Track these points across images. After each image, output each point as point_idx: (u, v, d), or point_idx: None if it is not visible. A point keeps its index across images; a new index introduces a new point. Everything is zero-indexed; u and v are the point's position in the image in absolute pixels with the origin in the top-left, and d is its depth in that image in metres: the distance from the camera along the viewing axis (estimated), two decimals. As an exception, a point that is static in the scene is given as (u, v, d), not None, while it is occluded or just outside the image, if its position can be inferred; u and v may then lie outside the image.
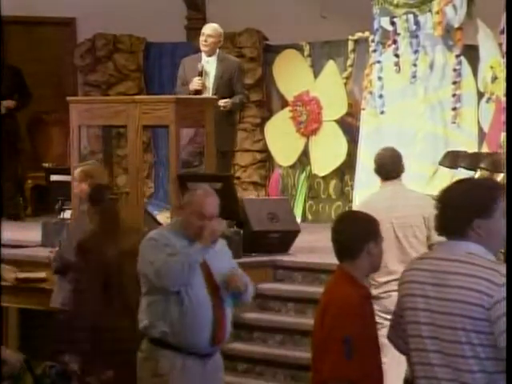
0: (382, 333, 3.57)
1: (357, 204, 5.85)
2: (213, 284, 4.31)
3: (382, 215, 5.10)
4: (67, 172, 7.26)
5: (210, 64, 7.71)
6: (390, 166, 5.27)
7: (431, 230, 5.10)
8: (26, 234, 8.01)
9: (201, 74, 7.59)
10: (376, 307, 5.14)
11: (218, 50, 7.81)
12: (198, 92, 7.54)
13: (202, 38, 7.75)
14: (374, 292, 5.15)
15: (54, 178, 7.66)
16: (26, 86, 9.45)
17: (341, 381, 3.47)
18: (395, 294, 5.19)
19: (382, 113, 8.39)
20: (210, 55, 7.73)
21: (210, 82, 7.64)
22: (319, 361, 3.61)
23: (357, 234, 3.67)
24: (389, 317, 5.03)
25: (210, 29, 7.80)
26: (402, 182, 5.35)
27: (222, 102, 7.52)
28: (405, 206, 5.20)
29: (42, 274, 6.71)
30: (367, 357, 3.53)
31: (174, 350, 4.24)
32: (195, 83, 7.54)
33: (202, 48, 7.75)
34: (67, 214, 7.27)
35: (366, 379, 3.53)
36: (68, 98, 7.32)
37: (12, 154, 9.23)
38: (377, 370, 3.63)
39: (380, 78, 8.41)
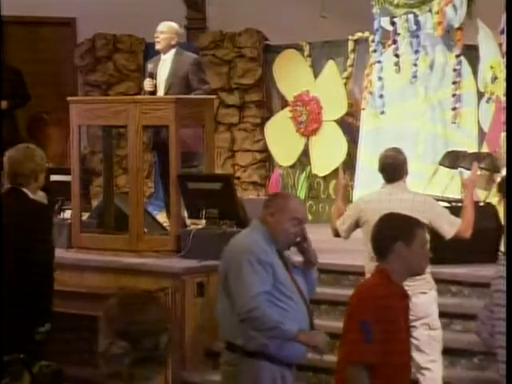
0: None
1: (355, 201, 5.83)
2: (303, 297, 4.29)
3: (376, 217, 5.11)
4: (67, 172, 7.26)
5: (165, 62, 7.58)
6: (391, 169, 5.24)
7: (440, 228, 5.11)
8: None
9: (151, 75, 7.45)
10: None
11: (175, 48, 7.60)
12: (152, 93, 7.43)
13: (155, 35, 7.67)
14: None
15: (53, 177, 7.64)
16: (26, 87, 9.44)
17: (359, 363, 3.47)
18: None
19: (383, 113, 8.39)
20: (164, 53, 7.60)
21: (163, 81, 7.55)
22: (340, 348, 3.62)
23: (384, 234, 3.67)
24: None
25: (162, 26, 7.62)
26: (405, 183, 5.30)
27: None
28: (401, 209, 5.15)
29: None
30: (389, 343, 3.48)
31: (273, 362, 4.22)
32: (146, 85, 7.44)
33: (156, 46, 7.62)
34: (67, 214, 7.26)
35: (388, 365, 3.49)
36: (68, 98, 7.32)
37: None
38: (401, 358, 3.58)
39: (380, 78, 8.41)
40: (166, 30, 7.61)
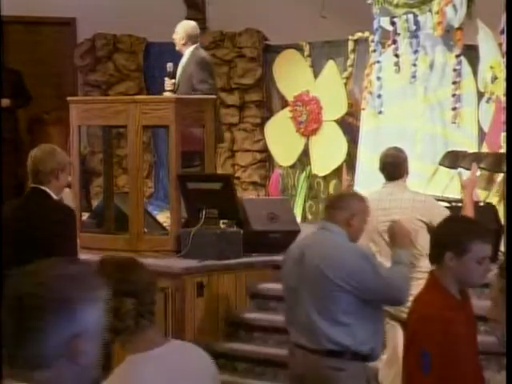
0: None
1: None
2: None
3: (378, 217, 5.11)
4: (67, 172, 7.25)
5: (182, 62, 7.71)
6: (391, 167, 5.24)
7: None
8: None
9: (169, 74, 7.52)
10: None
11: (191, 48, 7.68)
12: (172, 92, 7.49)
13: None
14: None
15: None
16: (26, 88, 9.45)
17: None
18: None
19: (380, 113, 8.40)
20: (182, 52, 7.73)
21: (177, 79, 7.60)
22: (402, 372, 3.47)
23: (437, 239, 3.48)
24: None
25: (177, 26, 7.80)
26: (405, 183, 5.31)
27: None
28: (401, 209, 5.16)
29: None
30: (449, 371, 3.28)
31: (368, 362, 4.25)
32: (166, 84, 7.49)
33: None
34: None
35: None
36: (68, 98, 7.32)
37: (12, 154, 9.23)
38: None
39: (379, 78, 8.41)
40: (178, 30, 7.74)
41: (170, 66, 7.54)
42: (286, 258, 4.39)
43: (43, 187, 4.79)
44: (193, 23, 7.94)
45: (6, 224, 4.78)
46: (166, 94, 7.41)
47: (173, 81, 7.47)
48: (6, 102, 9.18)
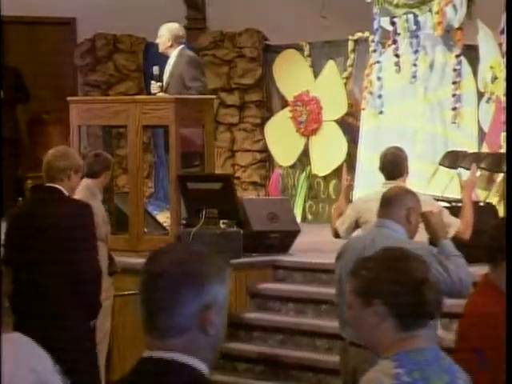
0: None
1: (354, 201, 5.81)
2: None
3: (374, 217, 5.10)
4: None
5: (169, 63, 7.68)
6: (391, 166, 5.23)
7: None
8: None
9: (156, 77, 7.48)
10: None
11: (177, 49, 7.67)
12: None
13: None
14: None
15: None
16: (26, 87, 9.45)
17: None
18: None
19: (381, 113, 8.40)
20: (168, 54, 7.70)
21: (165, 81, 7.57)
22: None
23: (492, 242, 3.42)
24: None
25: (160, 28, 7.78)
26: (405, 183, 5.30)
27: None
28: None
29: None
30: (502, 369, 3.24)
31: None
32: (153, 88, 7.49)
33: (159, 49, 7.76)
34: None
35: None
36: (68, 98, 7.32)
37: (12, 154, 9.23)
38: None
39: (379, 78, 8.41)
40: (162, 33, 7.73)
41: (156, 69, 7.51)
42: (344, 255, 4.28)
43: (56, 185, 4.87)
44: (177, 24, 7.92)
45: (21, 220, 4.90)
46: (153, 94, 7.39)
47: (159, 84, 7.44)
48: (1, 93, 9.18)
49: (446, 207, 5.70)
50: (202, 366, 1.94)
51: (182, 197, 6.85)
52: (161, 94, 7.37)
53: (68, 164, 4.88)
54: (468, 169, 7.08)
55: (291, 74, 9.48)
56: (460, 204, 5.77)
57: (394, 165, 5.23)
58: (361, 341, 4.09)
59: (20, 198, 9.57)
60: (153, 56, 10.27)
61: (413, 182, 5.43)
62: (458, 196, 7.12)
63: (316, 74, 9.35)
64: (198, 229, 6.61)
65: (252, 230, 6.83)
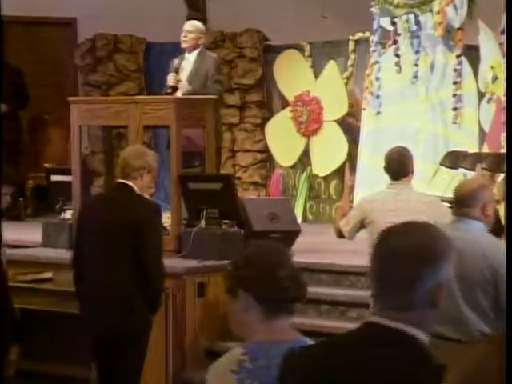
0: None
1: (358, 201, 5.80)
2: None
3: (384, 218, 5.09)
4: (68, 172, 7.26)
5: (189, 60, 7.71)
6: (397, 165, 5.21)
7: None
8: (26, 234, 8.01)
9: (176, 70, 7.58)
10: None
11: (200, 47, 7.77)
12: (173, 88, 7.53)
13: (182, 35, 7.76)
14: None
15: (54, 178, 7.65)
16: (26, 87, 9.44)
17: None
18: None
19: (379, 113, 8.39)
20: (190, 52, 7.73)
21: (185, 77, 7.64)
22: None
23: None
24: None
25: (189, 25, 7.83)
26: (411, 183, 5.28)
27: None
28: (406, 211, 5.13)
29: (48, 275, 6.72)
30: None
31: None
32: (169, 79, 7.55)
33: (182, 44, 7.75)
34: (68, 215, 7.26)
35: None
36: (69, 98, 7.32)
37: (13, 154, 9.23)
38: None
39: (378, 79, 8.41)
40: (193, 29, 7.76)
41: (176, 62, 7.58)
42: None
43: (128, 182, 5.02)
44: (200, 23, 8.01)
45: (92, 214, 5.09)
46: (168, 89, 7.44)
47: (177, 77, 7.51)
48: (3, 107, 9.15)
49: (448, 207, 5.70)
50: (424, 337, 2.11)
51: (182, 197, 6.85)
52: (185, 86, 7.40)
53: (143, 163, 5.04)
54: (469, 169, 7.08)
55: (292, 74, 9.48)
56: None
57: (399, 164, 5.21)
58: (455, 334, 4.10)
59: (21, 199, 9.60)
60: (153, 56, 10.28)
61: (414, 182, 5.41)
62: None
63: (317, 74, 9.35)
64: (199, 229, 6.61)
65: (253, 230, 6.83)
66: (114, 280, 4.98)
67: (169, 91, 7.48)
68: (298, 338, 2.58)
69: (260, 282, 2.52)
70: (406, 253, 2.09)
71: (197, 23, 7.90)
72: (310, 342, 2.56)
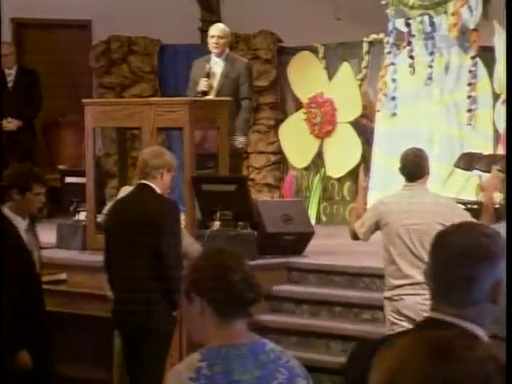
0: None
1: (373, 203, 5.77)
2: None
3: (399, 220, 5.07)
4: (82, 174, 7.28)
5: (218, 64, 7.74)
6: (413, 167, 5.19)
7: None
8: (40, 235, 8.01)
9: (208, 75, 7.60)
10: (388, 307, 5.13)
11: (226, 51, 7.84)
12: (204, 93, 7.55)
13: (212, 40, 7.76)
14: (388, 294, 5.13)
15: (68, 179, 7.67)
16: (40, 90, 9.42)
17: None
18: (407, 297, 5.17)
19: (394, 115, 8.37)
20: (218, 56, 7.76)
21: (216, 82, 7.66)
22: None
23: None
24: (401, 318, 5.04)
25: (219, 30, 7.83)
26: (426, 185, 5.26)
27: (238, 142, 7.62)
28: (422, 213, 5.12)
29: (63, 276, 6.74)
30: None
31: None
32: (202, 84, 7.56)
33: (213, 50, 7.77)
34: (82, 216, 7.28)
35: None
36: (83, 101, 7.33)
37: (27, 157, 9.25)
38: None
39: (394, 80, 8.39)
40: (223, 34, 7.83)
41: (209, 67, 7.64)
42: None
43: (148, 182, 5.13)
44: None
45: (117, 217, 5.22)
46: (199, 91, 7.52)
47: (209, 82, 7.53)
48: (16, 123, 9.14)
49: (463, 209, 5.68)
50: (482, 333, 2.15)
51: (196, 198, 6.86)
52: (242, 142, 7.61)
53: (161, 163, 5.15)
54: (483, 171, 7.05)
55: (305, 76, 9.47)
56: (475, 206, 5.75)
57: (415, 166, 5.19)
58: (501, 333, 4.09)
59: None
60: (167, 58, 10.29)
61: (428, 183, 5.39)
62: (473, 198, 7.10)
63: (330, 76, 9.34)
64: (213, 230, 6.61)
65: (266, 231, 6.83)
66: (137, 279, 5.07)
67: (200, 95, 7.50)
68: (257, 340, 2.56)
69: (213, 286, 2.50)
70: (463, 252, 2.15)
71: (225, 27, 7.92)
72: (268, 342, 2.55)
